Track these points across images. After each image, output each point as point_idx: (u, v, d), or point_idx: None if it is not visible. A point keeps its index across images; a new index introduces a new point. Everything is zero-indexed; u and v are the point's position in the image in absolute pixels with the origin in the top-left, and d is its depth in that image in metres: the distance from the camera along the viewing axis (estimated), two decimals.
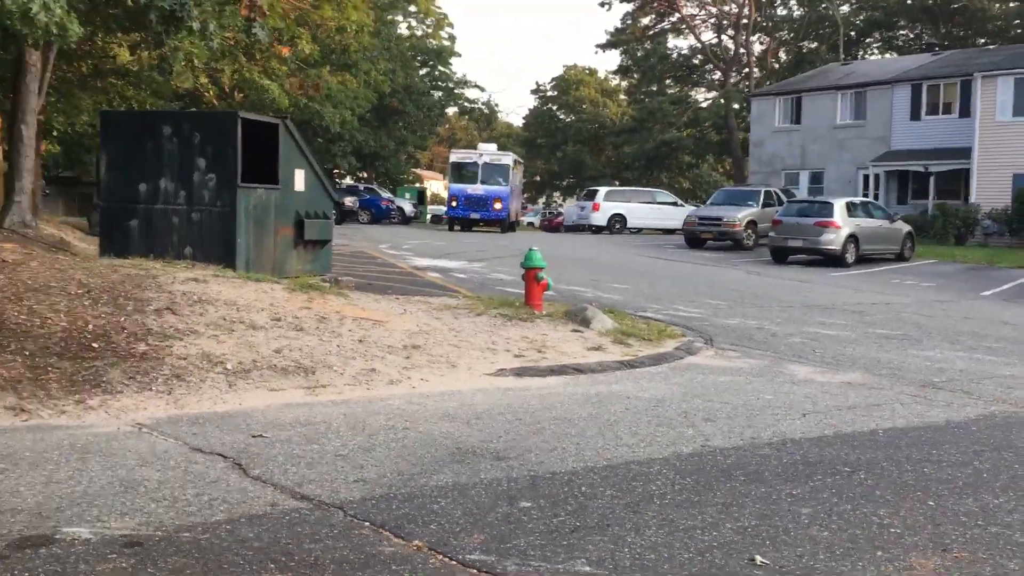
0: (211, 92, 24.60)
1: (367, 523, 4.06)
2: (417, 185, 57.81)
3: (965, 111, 32.51)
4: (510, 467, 4.99)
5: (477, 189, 33.19)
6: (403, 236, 28.59)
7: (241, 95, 25.48)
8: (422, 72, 54.58)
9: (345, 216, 37.49)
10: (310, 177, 12.32)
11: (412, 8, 53.53)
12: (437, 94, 55.73)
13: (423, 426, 5.85)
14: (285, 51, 19.25)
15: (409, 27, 55.30)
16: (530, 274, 10.86)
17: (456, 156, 35.65)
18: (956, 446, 5.83)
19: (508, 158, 34.83)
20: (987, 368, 8.94)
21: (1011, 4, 54.93)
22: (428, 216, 50.93)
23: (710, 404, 6.83)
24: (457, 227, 34.37)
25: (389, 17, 49.33)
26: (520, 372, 7.77)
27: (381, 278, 14.76)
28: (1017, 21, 54.95)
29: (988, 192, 30.54)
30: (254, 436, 5.45)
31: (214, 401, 6.25)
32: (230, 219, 11.02)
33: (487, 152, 34.67)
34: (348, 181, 51.13)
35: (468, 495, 4.48)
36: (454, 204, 33.85)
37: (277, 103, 21.12)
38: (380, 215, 40.48)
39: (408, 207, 44.07)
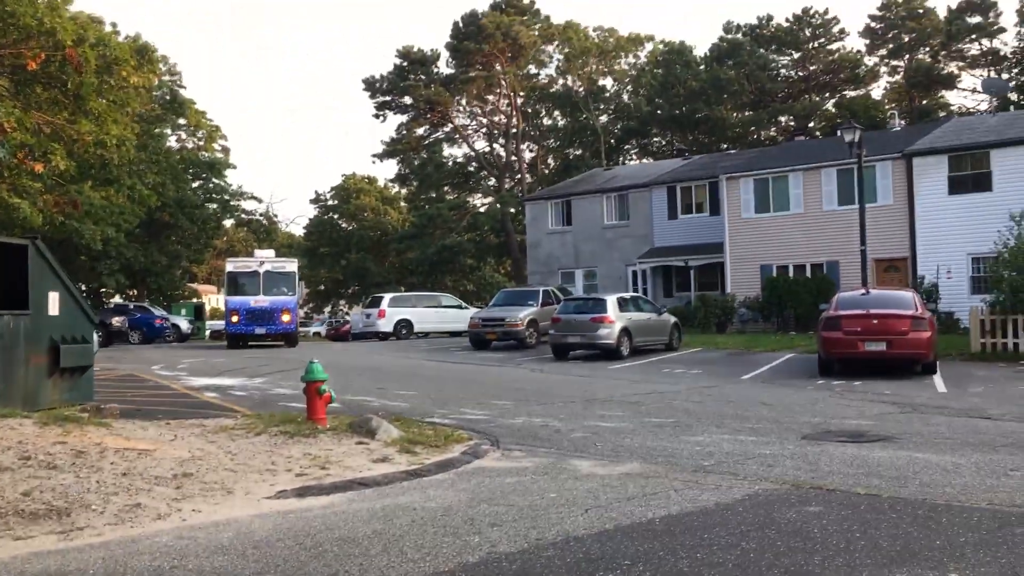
0: None
1: None
2: (194, 300, 55.32)
3: (715, 209, 35.58)
4: None
5: (261, 301, 30.33)
6: (179, 355, 27.13)
7: None
8: (195, 184, 52.94)
9: (113, 337, 35.17)
10: (66, 299, 11.49)
11: (182, 121, 52.19)
12: (212, 206, 54.09)
13: (193, 562, 5.44)
14: (38, 167, 18.06)
15: (179, 139, 53.83)
16: (312, 387, 10.58)
17: (233, 266, 32.07)
18: (725, 528, 6.13)
19: (292, 264, 32.81)
20: (750, 448, 9.55)
21: (746, 113, 61.35)
22: (207, 332, 48.72)
23: (496, 508, 6.83)
24: (240, 344, 31.12)
25: (157, 130, 47.79)
26: (302, 492, 7.46)
27: (152, 402, 13.86)
28: (752, 128, 61.38)
29: (741, 282, 33.31)
30: None
31: None
32: None
33: (268, 260, 32.00)
34: (117, 300, 48.19)
35: None
36: (235, 319, 30.56)
37: (29, 222, 19.68)
38: (153, 334, 38.30)
39: (184, 324, 41.99)
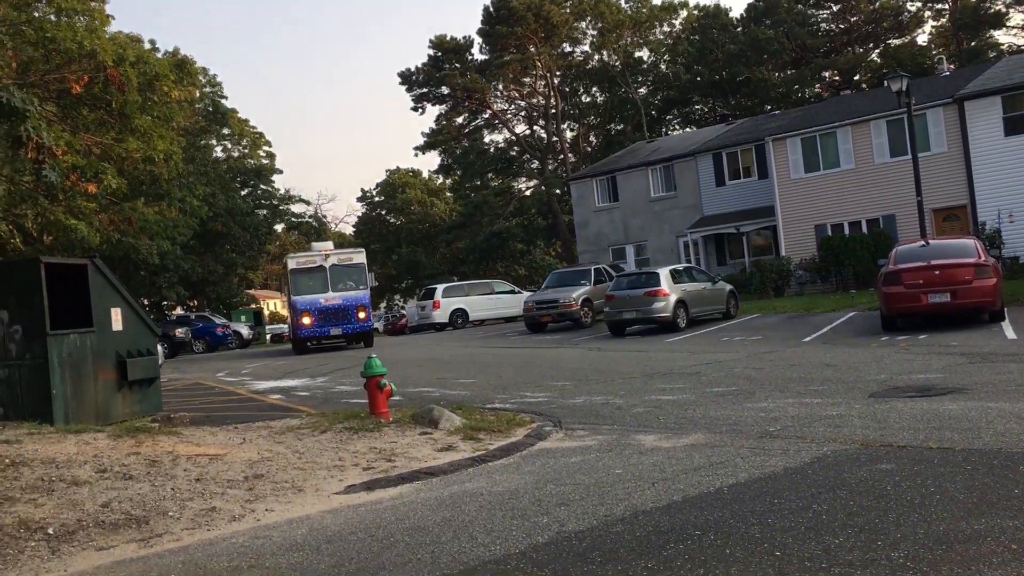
0: (16, 239, 23.33)
1: None
2: (252, 306, 56.38)
3: (763, 173, 35.04)
4: None
5: (332, 299, 27.04)
6: (241, 361, 27.66)
7: (50, 238, 24.29)
8: (244, 192, 53.89)
9: (178, 348, 36.02)
10: (128, 314, 11.77)
11: (226, 131, 53.05)
12: (262, 212, 55.07)
13: (270, 560, 5.55)
14: (91, 188, 18.50)
15: (225, 149, 54.74)
16: (372, 382, 10.69)
17: (295, 262, 27.91)
18: (795, 492, 6.05)
19: (360, 255, 28.95)
20: (816, 411, 9.42)
21: (788, 72, 60.22)
22: (268, 336, 49.62)
23: (563, 488, 6.84)
24: (310, 346, 27.95)
25: (202, 141, 48.66)
26: (370, 485, 7.55)
27: (219, 408, 14.15)
28: (796, 86, 60.23)
29: (795, 244, 32.78)
30: None
31: (35, 572, 5.71)
32: (42, 370, 10.33)
33: (333, 252, 28.62)
34: (179, 311, 49.28)
35: None
36: (306, 321, 26.85)
37: (87, 241, 20.20)
38: (216, 342, 39.13)
39: (245, 330, 42.84)
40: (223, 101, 51.96)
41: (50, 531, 6.34)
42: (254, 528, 6.47)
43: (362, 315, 27.24)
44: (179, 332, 36.87)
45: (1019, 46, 55.79)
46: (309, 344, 27.61)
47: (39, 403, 10.30)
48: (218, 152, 53.74)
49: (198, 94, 44.86)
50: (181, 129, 28.96)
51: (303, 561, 5.47)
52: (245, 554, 5.76)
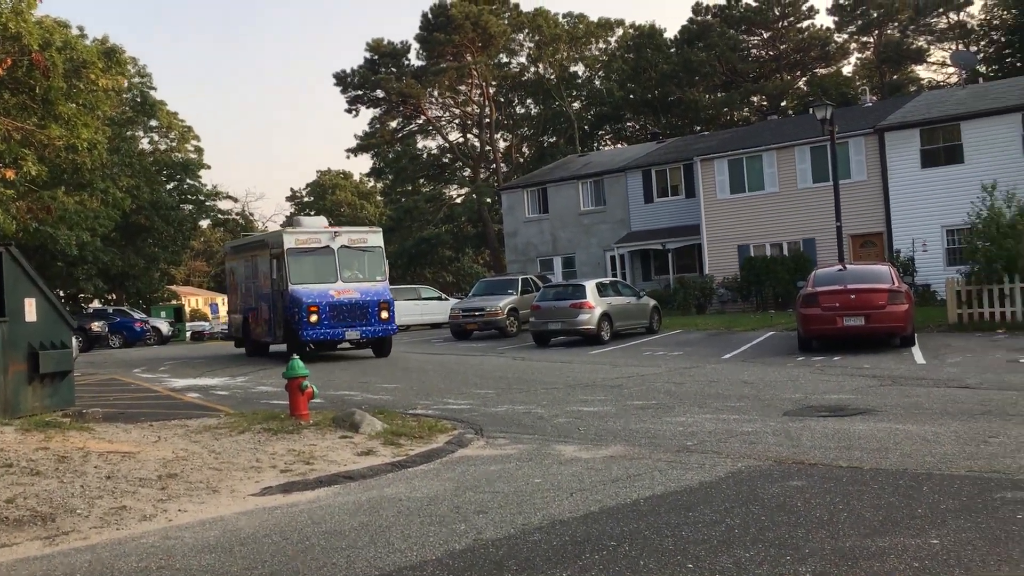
0: None
1: None
2: (173, 303, 54.94)
3: (690, 191, 35.71)
4: None
5: (346, 291, 20.86)
6: (160, 357, 26.97)
7: None
8: (169, 186, 52.55)
9: (94, 342, 34.95)
10: (43, 305, 11.39)
11: (153, 122, 51.73)
12: (188, 207, 53.74)
13: (180, 562, 5.43)
14: (9, 174, 17.86)
15: (152, 141, 53.35)
16: (294, 384, 10.56)
17: (293, 239, 21.01)
18: (709, 505, 6.18)
19: (376, 236, 22.33)
20: (732, 426, 9.63)
21: (718, 95, 61.52)
22: (188, 334, 48.47)
23: (482, 496, 6.86)
24: (309, 350, 21.45)
25: (129, 132, 47.36)
26: (287, 488, 7.45)
27: (134, 405, 13.78)
28: (725, 109, 61.58)
29: (719, 263, 33.48)
30: None
31: None
32: None
33: (343, 230, 22.29)
34: (96, 305, 47.79)
35: None
36: (313, 319, 20.27)
37: (3, 229, 19.46)
38: (134, 338, 38.06)
39: (164, 327, 41.73)
40: (152, 92, 50.61)
41: None
42: (165, 528, 6.33)
43: (384, 314, 21.18)
44: (96, 326, 35.79)
45: (939, 82, 58.09)
46: (309, 349, 21.30)
47: None
48: (145, 144, 52.35)
49: (127, 84, 43.66)
50: (107, 118, 28.12)
51: (215, 563, 5.37)
52: (155, 554, 5.63)
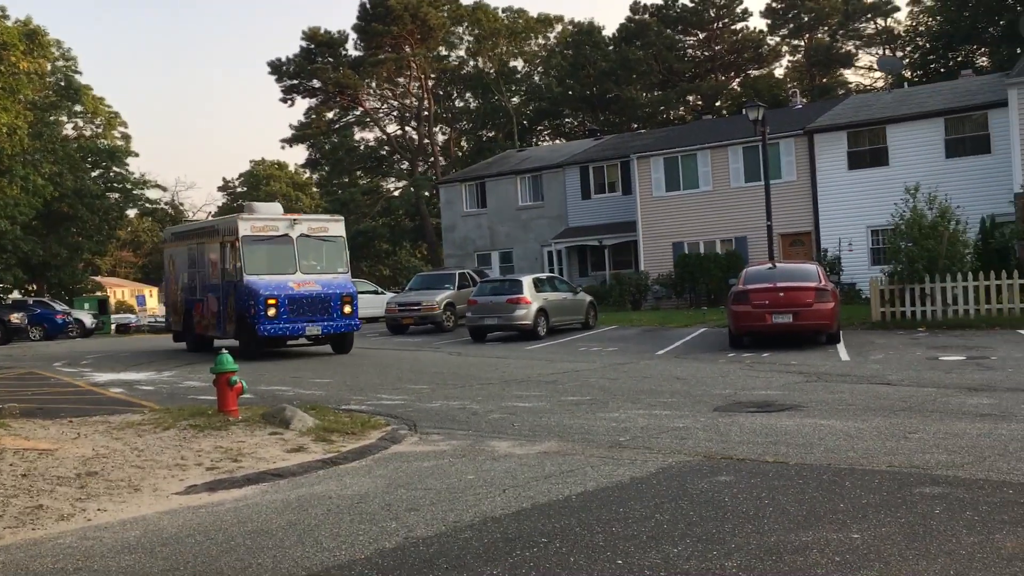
0: None
1: None
2: (98, 294, 53.50)
3: (627, 188, 36.04)
4: None
5: (306, 283, 19.74)
6: (83, 351, 26.22)
7: None
8: (95, 174, 51.13)
9: (13, 334, 33.81)
10: None
11: (78, 108, 50.25)
12: (114, 196, 52.35)
13: (99, 563, 5.26)
14: None
15: (76, 127, 51.85)
16: (222, 379, 10.35)
17: (249, 227, 19.78)
18: (640, 501, 6.22)
19: (338, 225, 21.34)
20: (664, 422, 9.72)
21: (655, 93, 62.19)
22: (113, 326, 47.27)
23: (414, 493, 6.80)
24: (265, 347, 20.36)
25: (52, 117, 45.92)
26: (213, 486, 7.29)
27: (53, 400, 13.35)
28: (662, 107, 62.28)
29: (654, 260, 33.85)
30: None
31: None
32: None
33: (302, 218, 21.15)
34: (16, 296, 46.26)
35: None
36: (271, 313, 19.08)
37: None
38: (55, 330, 36.90)
39: (88, 319, 40.59)
40: (77, 76, 49.23)
41: None
42: (84, 528, 6.13)
43: (347, 309, 20.17)
44: (15, 318, 34.60)
45: (866, 86, 59.60)
46: (266, 345, 20.13)
47: None
48: (69, 129, 50.86)
49: (50, 67, 42.36)
50: (29, 102, 27.16)
51: (135, 564, 5.22)
52: (73, 555, 5.45)
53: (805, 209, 31.29)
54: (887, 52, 58.62)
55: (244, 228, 19.62)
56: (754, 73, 62.86)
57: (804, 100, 41.96)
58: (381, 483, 7.23)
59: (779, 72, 64.43)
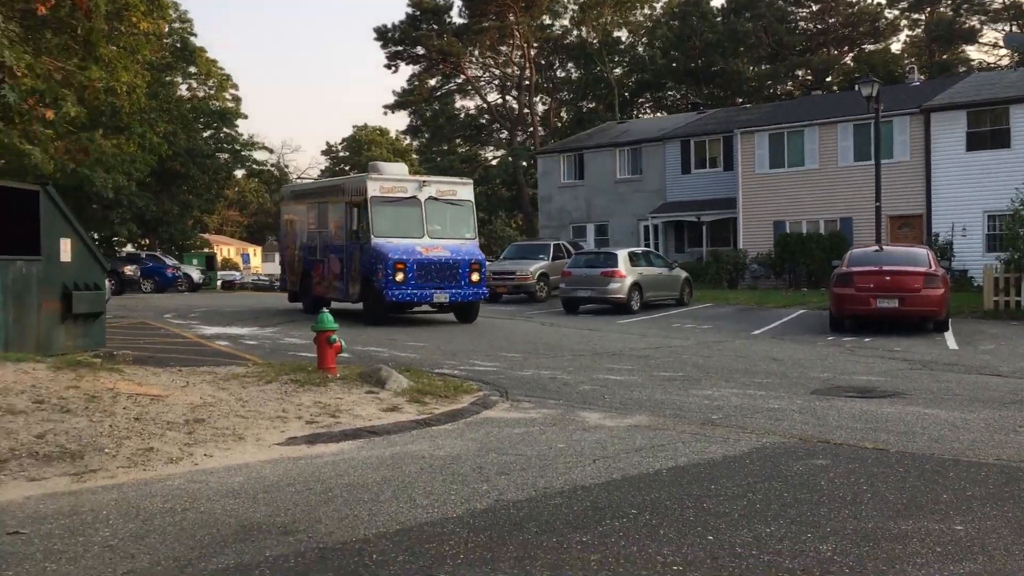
0: None
1: None
2: (205, 251, 55.48)
3: (729, 164, 35.29)
4: (298, 541, 4.77)
5: (435, 248, 18.98)
6: (191, 304, 27.28)
7: (1, 161, 23.59)
8: (206, 134, 52.80)
9: (126, 286, 35.42)
10: (78, 246, 11.52)
11: (192, 69, 51.85)
12: (223, 156, 54.01)
13: (205, 505, 5.51)
14: (49, 114, 17.99)
15: (190, 88, 53.52)
16: (322, 337, 10.61)
17: (378, 187, 19.06)
18: (732, 479, 6.15)
19: (467, 189, 20.38)
20: (758, 402, 9.57)
21: (763, 67, 60.54)
22: (219, 283, 48.98)
23: (504, 457, 6.87)
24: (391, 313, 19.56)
25: (168, 78, 47.50)
26: (312, 439, 7.52)
27: (164, 350, 13.96)
28: (769, 82, 60.60)
29: (753, 238, 33.14)
30: (9, 534, 4.92)
31: None
32: None
33: (432, 180, 20.19)
34: (129, 249, 48.38)
35: None
36: (399, 278, 18.37)
37: (40, 168, 19.65)
38: (165, 283, 38.52)
39: (196, 274, 42.20)
40: (193, 39, 50.75)
41: None
42: (191, 472, 6.42)
43: (475, 276, 19.26)
44: (128, 270, 36.26)
45: (989, 63, 56.73)
46: (392, 310, 19.38)
47: None
48: (183, 90, 52.52)
49: (167, 28, 43.74)
50: (147, 63, 28.14)
51: (238, 508, 5.44)
52: (181, 496, 5.71)
53: (917, 191, 30.09)
54: (1014, 28, 55.55)
55: (373, 188, 18.94)
56: (869, 48, 60.46)
57: (922, 77, 40.19)
58: (472, 446, 7.33)
59: (896, 47, 61.88)
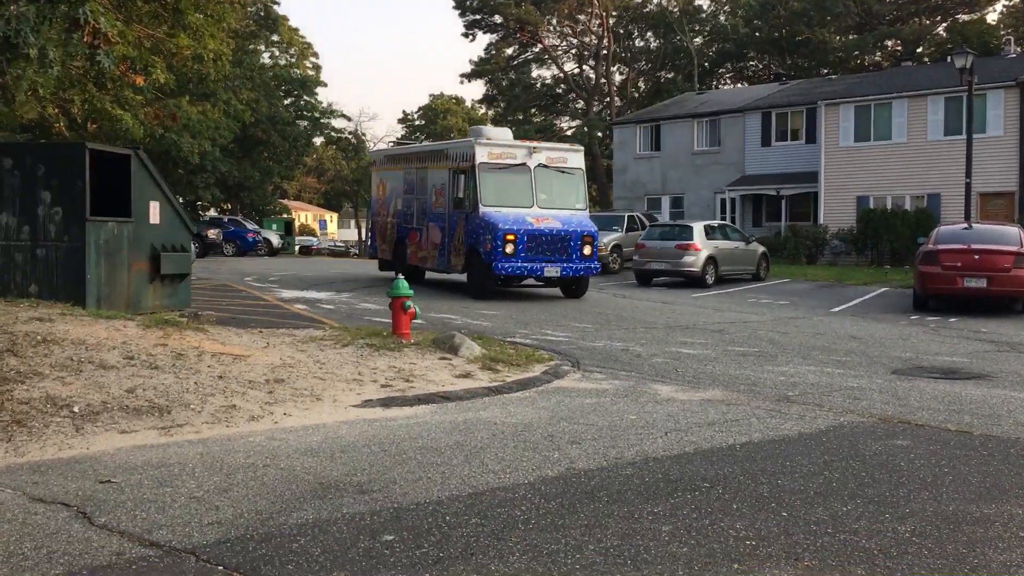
0: (61, 123, 23.44)
1: (220, 567, 3.88)
2: (284, 216, 56.65)
3: (811, 137, 34.41)
4: (374, 500, 4.89)
5: (546, 219, 17.87)
6: (270, 268, 27.92)
7: (94, 126, 24.38)
8: (287, 102, 53.70)
9: (209, 249, 36.36)
10: (166, 209, 11.88)
11: (275, 37, 52.71)
12: (303, 124, 54.91)
13: (285, 462, 5.68)
14: (139, 80, 18.52)
15: (272, 56, 54.43)
16: (397, 303, 10.77)
17: (486, 152, 18.05)
18: (808, 457, 6.07)
19: (578, 157, 19.23)
20: (836, 381, 9.39)
21: (850, 37, 58.66)
22: (296, 248, 49.98)
23: (575, 427, 6.91)
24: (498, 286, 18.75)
25: (251, 46, 48.39)
26: (387, 402, 7.67)
27: (245, 312, 14.34)
28: (856, 52, 58.71)
29: (835, 213, 32.33)
30: (102, 482, 5.16)
31: (59, 447, 5.89)
32: (79, 254, 10.51)
33: (542, 147, 19.20)
34: (212, 213, 49.67)
35: (329, 531, 4.36)
36: (508, 250, 17.32)
37: (131, 133, 20.25)
38: (245, 247, 39.44)
39: (275, 239, 43.11)
40: (275, 7, 51.56)
41: (75, 409, 6.51)
42: (271, 430, 6.61)
43: (587, 250, 18.07)
44: (212, 233, 37.19)
45: None
46: (500, 283, 18.59)
47: (72, 286, 10.49)
48: (265, 58, 53.45)
49: None
50: (232, 31, 28.69)
51: (316, 466, 5.59)
52: (261, 453, 5.90)
53: (1010, 167, 28.94)
54: None
55: (481, 154, 17.84)
56: (963, 18, 58.00)
57: (1018, 49, 38.44)
58: (544, 414, 7.38)
59: (991, 18, 59.18)
